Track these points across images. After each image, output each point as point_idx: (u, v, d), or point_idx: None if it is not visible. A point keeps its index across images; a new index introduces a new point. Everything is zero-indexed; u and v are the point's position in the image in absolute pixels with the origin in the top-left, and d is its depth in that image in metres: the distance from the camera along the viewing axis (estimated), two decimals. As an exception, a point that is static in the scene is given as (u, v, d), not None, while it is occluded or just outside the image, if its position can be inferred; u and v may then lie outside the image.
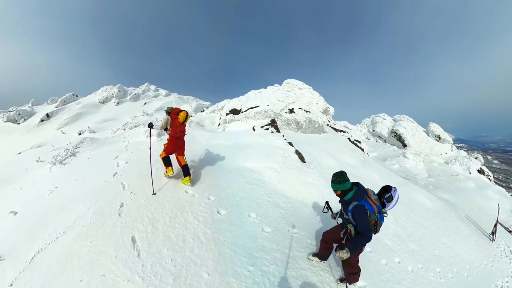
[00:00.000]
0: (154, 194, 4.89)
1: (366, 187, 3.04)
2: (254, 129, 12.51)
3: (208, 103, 37.65)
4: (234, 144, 9.14)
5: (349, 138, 18.86)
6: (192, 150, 7.83)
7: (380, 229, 3.04)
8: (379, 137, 32.74)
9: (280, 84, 25.15)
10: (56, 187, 5.68)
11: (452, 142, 29.01)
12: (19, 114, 37.84)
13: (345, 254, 2.71)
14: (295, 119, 14.74)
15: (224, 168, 6.72)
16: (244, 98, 16.87)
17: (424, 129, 31.07)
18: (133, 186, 5.17)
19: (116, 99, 45.55)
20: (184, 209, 4.50)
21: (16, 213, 4.93)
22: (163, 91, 55.02)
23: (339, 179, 2.92)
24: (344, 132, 21.43)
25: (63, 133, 31.67)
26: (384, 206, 2.95)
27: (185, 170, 5.23)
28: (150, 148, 5.64)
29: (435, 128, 29.96)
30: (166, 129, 5.52)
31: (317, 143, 12.53)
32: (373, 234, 2.87)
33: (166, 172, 5.30)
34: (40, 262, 3.43)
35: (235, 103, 16.13)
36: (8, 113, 37.33)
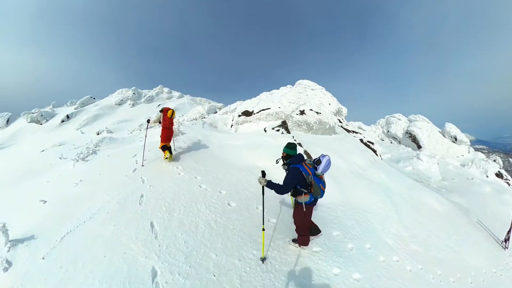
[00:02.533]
0: (142, 165, 6.58)
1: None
2: (265, 130, 12.84)
3: (220, 104, 38.31)
4: (246, 145, 9.53)
5: (361, 140, 18.77)
6: (206, 150, 8.31)
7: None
8: (394, 138, 32.13)
9: (293, 85, 25.28)
10: (81, 181, 6.03)
11: (470, 143, 27.89)
12: (42, 115, 40.19)
13: (262, 180, 3.44)
14: (305, 120, 14.93)
15: (236, 166, 7.18)
16: (256, 100, 17.23)
17: (440, 130, 30.17)
18: (152, 180, 5.64)
19: (131, 101, 47.30)
20: (198, 201, 4.97)
21: (46, 201, 5.26)
22: (176, 93, 56.39)
23: (289, 146, 3.74)
24: (356, 133, 21.32)
25: (82, 133, 33.27)
26: (316, 169, 3.49)
27: (169, 150, 6.84)
28: (145, 136, 7.87)
29: (452, 128, 29.03)
30: (159, 122, 7.25)
31: (327, 144, 12.68)
32: (318, 198, 3.64)
33: (164, 155, 6.77)
34: (69, 241, 3.85)
35: (247, 104, 16.51)
36: (32, 114, 39.70)
